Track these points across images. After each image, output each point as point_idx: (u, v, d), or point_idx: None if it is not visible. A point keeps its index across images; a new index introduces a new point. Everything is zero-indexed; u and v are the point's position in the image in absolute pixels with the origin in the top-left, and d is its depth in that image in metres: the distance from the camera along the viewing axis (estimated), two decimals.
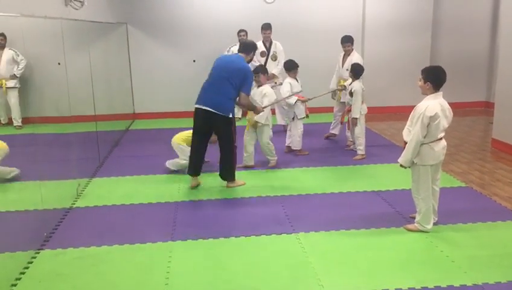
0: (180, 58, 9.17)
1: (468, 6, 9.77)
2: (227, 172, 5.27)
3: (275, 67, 7.86)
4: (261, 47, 7.96)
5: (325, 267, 3.53)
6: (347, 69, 6.84)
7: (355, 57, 6.98)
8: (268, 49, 7.96)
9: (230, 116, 5.08)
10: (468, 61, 9.96)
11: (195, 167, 5.26)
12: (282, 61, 7.37)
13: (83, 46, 6.11)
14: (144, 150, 6.98)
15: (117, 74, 8.45)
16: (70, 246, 3.94)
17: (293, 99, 6.25)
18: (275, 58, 7.91)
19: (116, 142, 7.45)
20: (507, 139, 6.56)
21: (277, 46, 7.96)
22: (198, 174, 5.31)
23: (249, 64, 5.26)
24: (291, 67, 6.49)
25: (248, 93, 5.15)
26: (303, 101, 6.36)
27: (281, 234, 4.11)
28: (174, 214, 4.60)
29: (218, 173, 5.36)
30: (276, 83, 7.72)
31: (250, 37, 8.49)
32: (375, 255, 3.70)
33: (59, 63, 5.34)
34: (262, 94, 5.94)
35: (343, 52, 7.15)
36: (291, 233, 4.11)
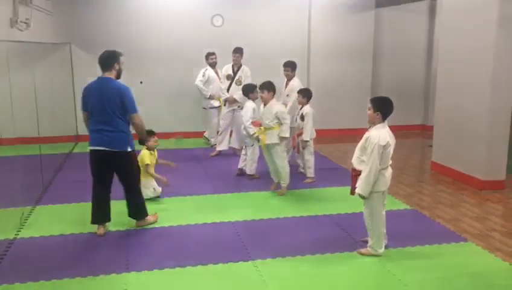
0: (126, 79, 8.93)
1: (406, 36, 10.40)
2: (137, 211, 4.80)
3: (237, 92, 7.66)
4: (228, 70, 7.91)
5: None
6: (287, 95, 6.95)
7: (295, 83, 6.95)
8: (235, 73, 7.85)
9: (129, 149, 4.53)
10: (406, 86, 10.53)
11: (102, 214, 4.69)
12: None
13: (27, 66, 5.88)
14: (89, 175, 6.70)
15: (61, 94, 8.18)
16: (16, 281, 3.72)
17: (252, 130, 6.10)
18: (239, 83, 7.70)
19: (60, 166, 7.16)
20: (445, 162, 6.94)
21: (244, 71, 7.83)
22: (106, 221, 4.74)
23: (123, 82, 4.57)
24: (251, 90, 6.45)
25: (135, 111, 4.49)
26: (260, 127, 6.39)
27: (238, 261, 4.09)
28: (126, 243, 4.47)
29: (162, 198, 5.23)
30: (238, 106, 7.69)
31: (199, 61, 8.55)
32: (332, 281, 3.77)
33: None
34: (273, 113, 5.75)
35: (286, 78, 7.18)
36: (248, 261, 4.11)
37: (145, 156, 5.57)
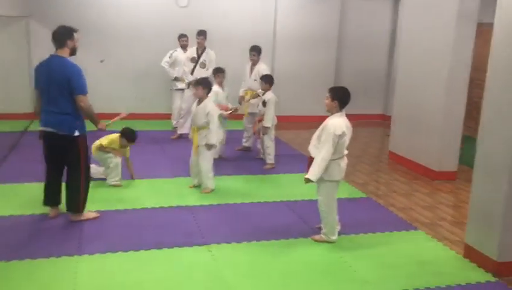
0: (87, 57, 8.67)
1: (370, 26, 10.49)
2: (71, 202, 4.47)
3: (201, 75, 7.45)
4: (192, 53, 7.80)
5: (238, 280, 3.58)
6: (254, 80, 6.99)
7: (262, 68, 7.08)
8: (199, 56, 7.75)
9: (76, 134, 4.29)
10: (367, 75, 10.68)
11: (53, 196, 4.56)
12: (211, 70, 7.29)
13: None
14: None
15: (16, 70, 7.89)
16: None
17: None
18: (203, 66, 7.68)
19: (14, 145, 6.93)
20: (401, 151, 7.12)
21: (209, 54, 7.77)
22: (58, 204, 4.61)
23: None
24: (214, 72, 6.65)
25: (82, 93, 4.21)
26: (226, 111, 6.41)
27: (192, 246, 4.10)
28: (79, 226, 4.39)
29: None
30: None
31: (163, 41, 8.42)
32: (286, 267, 3.82)
33: None
34: (205, 113, 5.29)
35: (251, 62, 7.24)
36: (202, 245, 4.12)
37: (106, 138, 5.47)
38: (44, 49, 8.01)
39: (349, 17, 10.29)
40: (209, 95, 5.48)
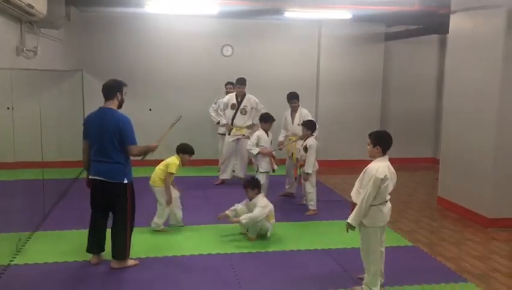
0: (136, 106, 9.05)
1: (416, 68, 10.36)
2: (117, 249, 4.53)
3: (248, 119, 7.88)
4: (231, 100, 7.96)
5: None
6: (298, 124, 6.99)
7: (305, 113, 7.17)
8: (240, 103, 7.91)
9: (125, 181, 4.44)
10: (416, 118, 10.45)
11: (97, 243, 4.66)
12: (263, 111, 7.39)
13: (34, 93, 5.98)
14: None
15: (70, 120, 8.30)
16: None
17: (255, 151, 6.42)
18: (244, 112, 7.85)
19: (64, 192, 7.20)
20: (451, 197, 6.80)
21: (250, 100, 7.90)
22: (101, 251, 4.71)
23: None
24: (264, 119, 6.70)
25: (134, 143, 4.41)
26: (264, 154, 6.44)
27: None
28: (120, 273, 4.43)
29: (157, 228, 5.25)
30: (243, 135, 7.76)
31: (214, 89, 8.81)
32: None
33: (8, 108, 5.19)
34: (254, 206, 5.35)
35: (290, 109, 7.30)
36: None
37: (174, 164, 5.47)
38: (96, 100, 8.41)
39: (394, 60, 10.21)
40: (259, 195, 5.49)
